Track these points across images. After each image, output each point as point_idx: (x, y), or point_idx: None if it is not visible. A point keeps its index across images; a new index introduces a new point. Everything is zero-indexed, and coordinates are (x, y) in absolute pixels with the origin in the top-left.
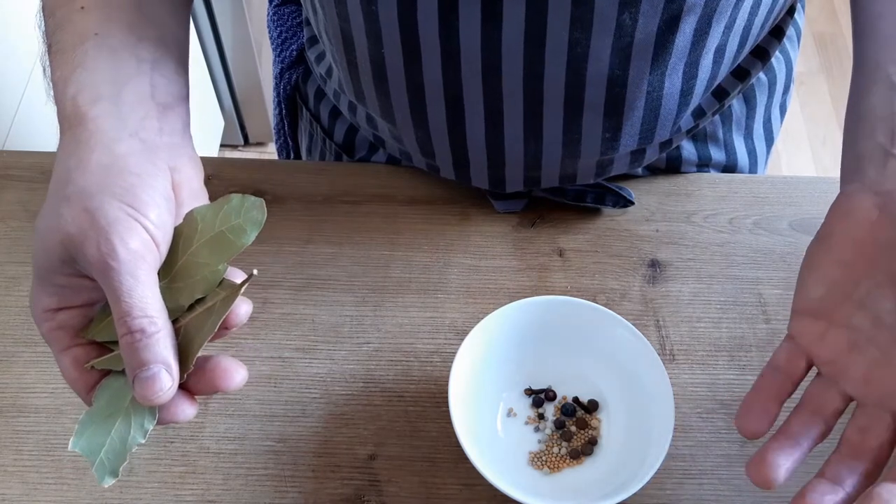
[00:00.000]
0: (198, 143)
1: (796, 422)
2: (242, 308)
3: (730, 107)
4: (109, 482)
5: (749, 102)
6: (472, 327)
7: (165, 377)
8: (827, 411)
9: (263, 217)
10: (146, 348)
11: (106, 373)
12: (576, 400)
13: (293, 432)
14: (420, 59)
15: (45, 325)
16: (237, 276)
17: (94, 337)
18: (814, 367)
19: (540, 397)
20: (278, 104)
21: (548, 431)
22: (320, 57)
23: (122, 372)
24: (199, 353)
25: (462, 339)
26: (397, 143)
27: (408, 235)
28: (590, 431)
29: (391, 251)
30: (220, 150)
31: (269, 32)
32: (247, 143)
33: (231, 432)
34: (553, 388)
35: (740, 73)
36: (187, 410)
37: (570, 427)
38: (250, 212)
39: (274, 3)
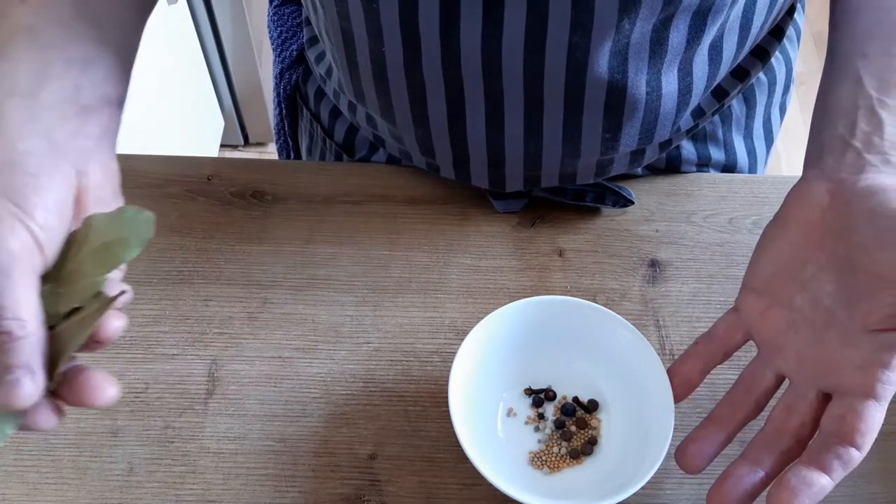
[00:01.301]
0: (198, 143)
1: (726, 402)
2: (114, 323)
3: (729, 107)
4: None
5: (749, 102)
6: (472, 327)
7: (28, 384)
8: (759, 390)
9: (150, 233)
10: (11, 352)
11: None
12: (576, 400)
13: (293, 432)
14: (420, 58)
15: None
16: (119, 288)
17: None
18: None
19: (540, 397)
20: (278, 104)
21: (548, 431)
22: (320, 57)
23: None
24: (73, 364)
25: (462, 339)
26: (397, 143)
27: (408, 235)
28: (590, 431)
29: (391, 251)
30: (220, 150)
31: (270, 32)
32: (247, 143)
33: (231, 432)
34: (553, 388)
35: (740, 74)
36: (49, 419)
37: (570, 427)
38: (139, 226)
39: (274, 3)
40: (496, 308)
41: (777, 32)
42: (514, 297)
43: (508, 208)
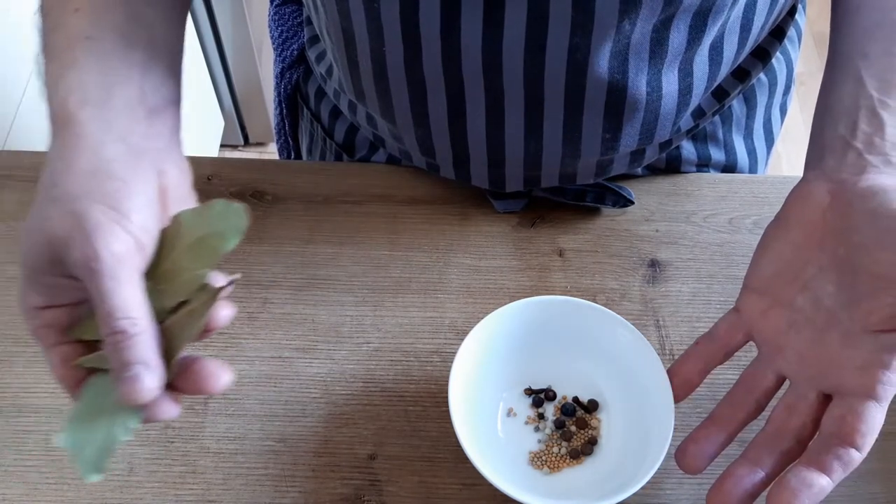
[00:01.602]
0: (198, 143)
1: (727, 403)
2: (224, 311)
3: (730, 107)
4: (94, 479)
5: (749, 103)
6: (472, 327)
7: (148, 377)
8: (759, 390)
9: (244, 224)
10: (128, 349)
11: (94, 370)
12: (576, 400)
13: (293, 432)
14: (421, 58)
15: (33, 323)
16: (225, 279)
17: (80, 335)
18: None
19: (540, 397)
20: (279, 104)
21: (548, 431)
22: (321, 56)
23: (109, 371)
24: (184, 354)
25: (462, 339)
26: (397, 143)
27: (408, 235)
28: (590, 431)
29: (391, 251)
30: (220, 150)
31: (270, 32)
32: (247, 143)
33: (231, 432)
34: (553, 388)
35: (740, 74)
36: (170, 409)
37: (569, 427)
38: (232, 219)
39: (275, 3)
40: (496, 308)
41: (778, 33)
42: (514, 297)
43: (508, 208)
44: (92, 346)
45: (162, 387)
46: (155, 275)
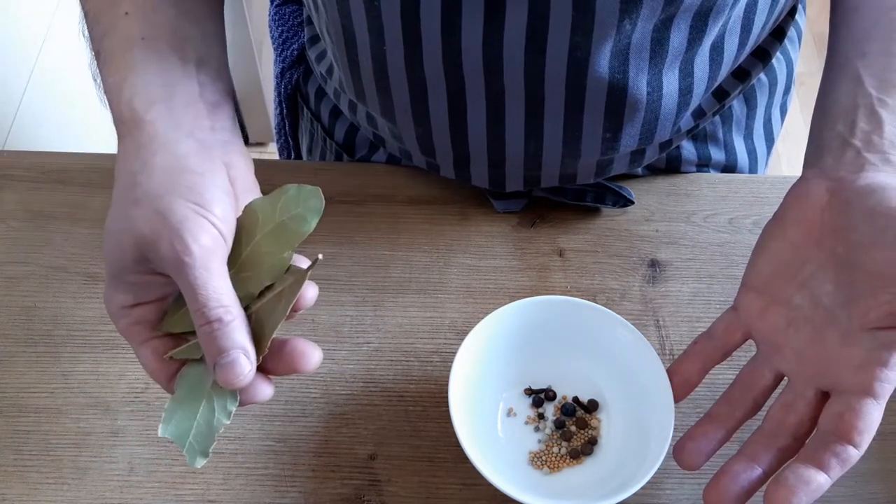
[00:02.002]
0: None
1: (725, 400)
2: (310, 291)
3: (730, 107)
4: (201, 463)
5: (749, 103)
6: (472, 327)
7: (244, 361)
8: (757, 388)
9: (322, 204)
10: (224, 336)
11: (184, 362)
12: (576, 400)
13: (293, 432)
14: (422, 57)
15: (123, 322)
16: (302, 262)
17: (170, 329)
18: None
19: (540, 397)
20: (279, 104)
21: (548, 431)
22: (321, 56)
23: (200, 360)
24: (273, 336)
25: (462, 339)
26: (397, 142)
27: (408, 235)
28: (590, 431)
29: (391, 251)
30: None
31: (270, 32)
32: (247, 143)
33: (231, 432)
34: (553, 388)
35: (741, 74)
36: (266, 390)
37: (570, 427)
38: (308, 200)
39: (275, 3)
40: (496, 308)
41: (778, 33)
42: (514, 297)
43: (508, 208)
44: (179, 338)
45: (255, 370)
46: (235, 263)
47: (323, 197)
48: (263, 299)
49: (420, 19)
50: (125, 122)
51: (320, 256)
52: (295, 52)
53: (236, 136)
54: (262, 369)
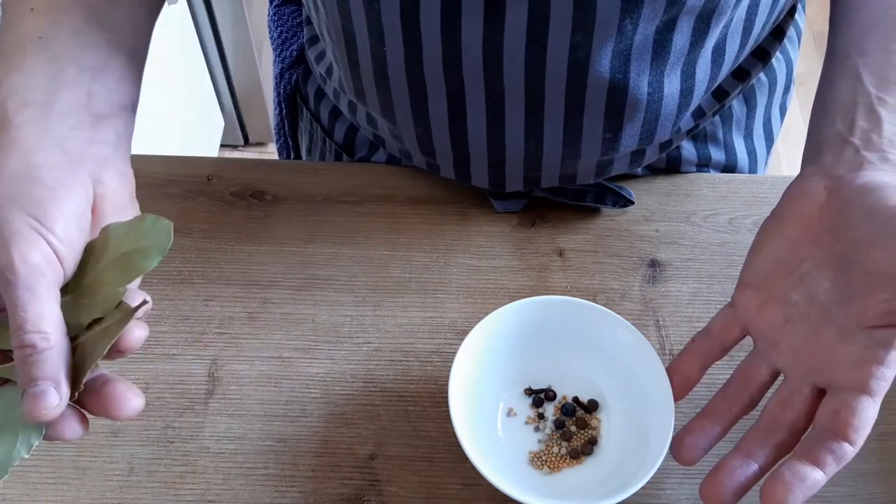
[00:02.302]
0: (198, 143)
1: (721, 396)
2: (136, 332)
3: (730, 107)
4: None
5: (749, 103)
6: (472, 327)
7: (53, 395)
8: (754, 384)
9: (169, 242)
10: (36, 364)
11: (6, 381)
12: (576, 400)
13: (293, 432)
14: (421, 57)
15: None
16: (137, 299)
17: (2, 346)
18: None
19: (540, 397)
20: (279, 104)
21: (548, 431)
22: (320, 56)
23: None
24: (99, 372)
25: (462, 339)
26: (397, 143)
27: (408, 235)
28: (590, 431)
29: (391, 251)
30: (220, 150)
31: (270, 32)
32: (247, 143)
33: (231, 432)
34: (553, 388)
35: (740, 74)
36: (75, 429)
37: (570, 427)
38: (158, 236)
39: (274, 3)
40: (496, 308)
41: (778, 33)
42: (514, 297)
43: (508, 208)
44: (8, 356)
45: (65, 406)
46: (77, 287)
47: (172, 235)
48: (91, 332)
49: (420, 20)
50: None
51: (148, 298)
52: (294, 53)
53: (121, 151)
54: (80, 405)
